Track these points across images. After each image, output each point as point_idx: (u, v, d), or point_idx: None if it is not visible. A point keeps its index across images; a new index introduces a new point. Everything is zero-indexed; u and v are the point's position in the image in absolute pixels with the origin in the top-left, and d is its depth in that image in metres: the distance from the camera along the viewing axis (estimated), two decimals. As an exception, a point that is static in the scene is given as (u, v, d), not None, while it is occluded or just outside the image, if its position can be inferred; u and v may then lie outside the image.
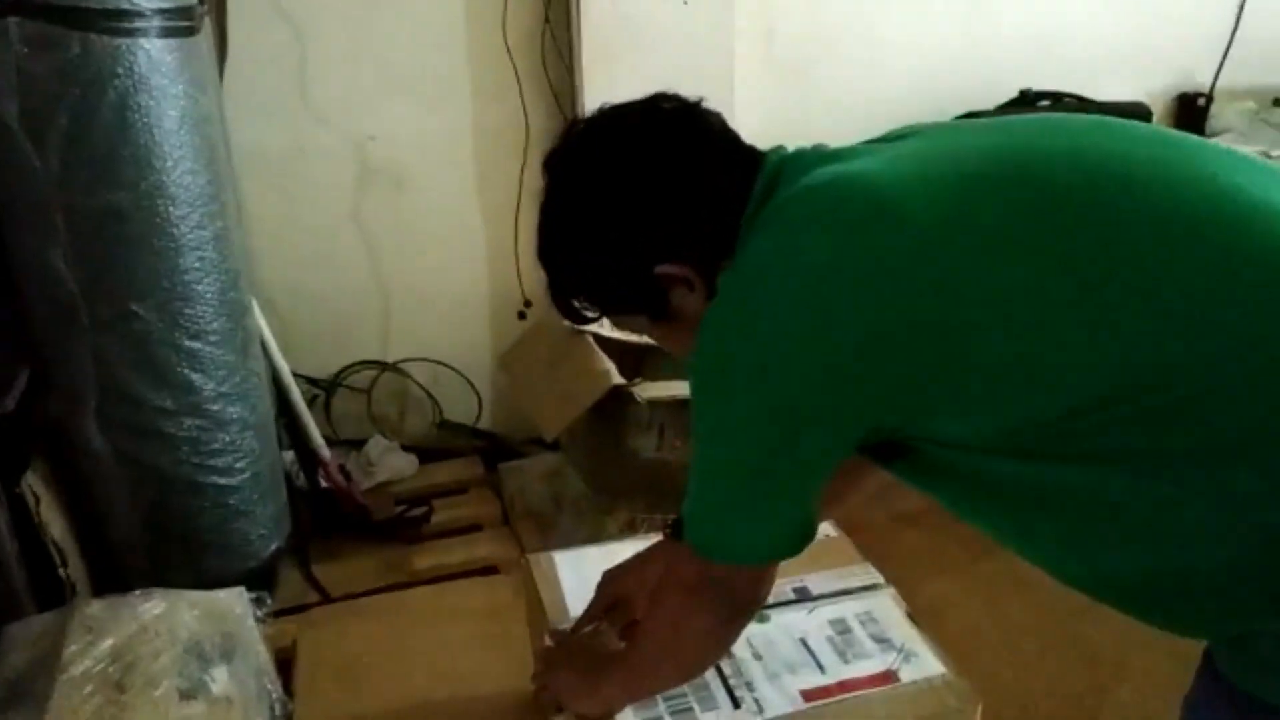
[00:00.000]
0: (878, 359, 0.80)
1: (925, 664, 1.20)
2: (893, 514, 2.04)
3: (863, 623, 1.26)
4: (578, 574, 1.36)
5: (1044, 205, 0.79)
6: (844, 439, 0.87)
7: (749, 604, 0.99)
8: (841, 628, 1.25)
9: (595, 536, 1.97)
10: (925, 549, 1.98)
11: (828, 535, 1.41)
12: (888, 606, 1.29)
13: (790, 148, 0.96)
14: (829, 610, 1.29)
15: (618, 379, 1.88)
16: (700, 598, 0.98)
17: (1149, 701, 1.38)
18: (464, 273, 2.34)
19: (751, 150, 0.97)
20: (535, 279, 2.33)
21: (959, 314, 0.78)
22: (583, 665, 1.18)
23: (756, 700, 1.16)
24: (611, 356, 1.96)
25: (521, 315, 2.34)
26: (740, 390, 0.86)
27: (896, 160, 0.86)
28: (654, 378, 1.99)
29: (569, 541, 2.01)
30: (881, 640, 1.24)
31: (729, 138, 0.97)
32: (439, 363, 2.37)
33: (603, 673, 1.13)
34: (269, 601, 1.51)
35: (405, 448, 2.31)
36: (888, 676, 1.19)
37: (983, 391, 0.80)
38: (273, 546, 1.79)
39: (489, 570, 1.97)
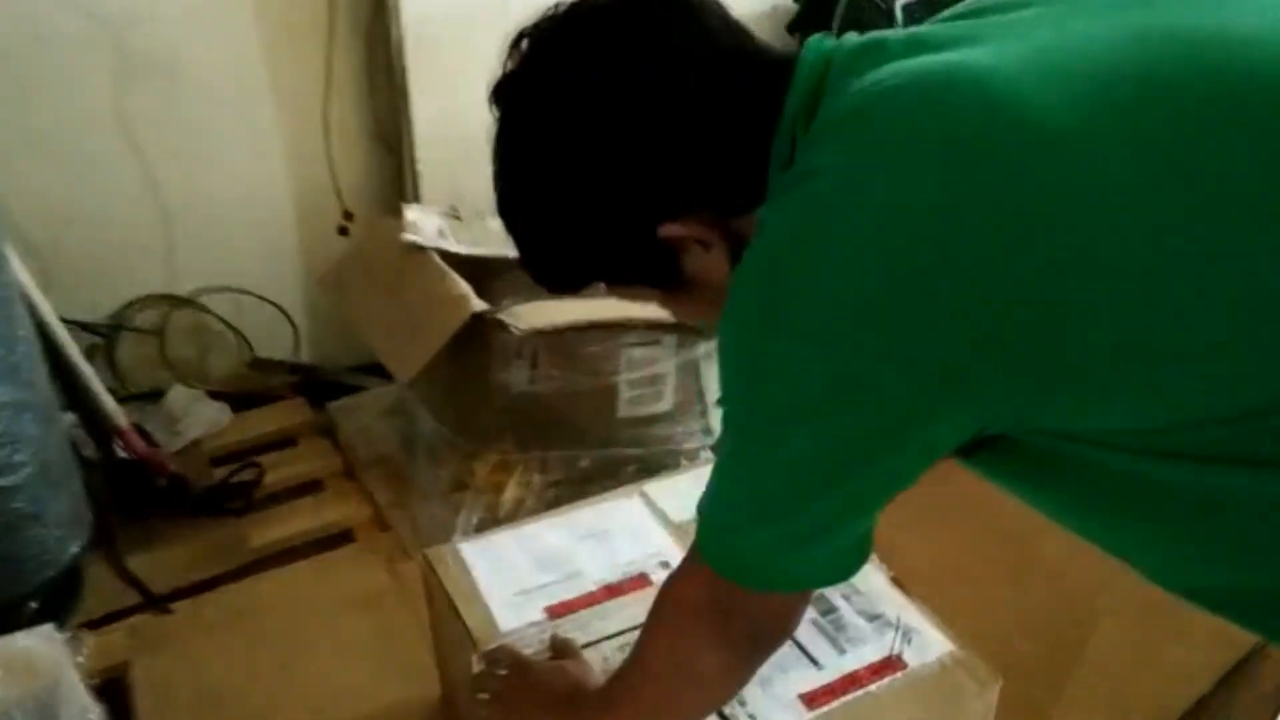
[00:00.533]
0: (1006, 338, 0.59)
1: (929, 641, 1.04)
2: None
3: (848, 598, 1.09)
4: (496, 568, 1.12)
5: (1243, 116, 0.58)
6: (943, 441, 0.65)
7: (777, 638, 0.79)
8: (826, 607, 1.07)
9: (462, 484, 1.72)
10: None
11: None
12: (868, 573, 1.12)
13: (830, 39, 0.71)
14: (808, 588, 1.10)
15: (478, 304, 1.60)
16: (713, 628, 0.76)
17: (1131, 630, 1.28)
18: (261, 181, 1.95)
19: (774, 52, 0.71)
20: (355, 186, 1.99)
21: (1119, 271, 0.57)
22: (544, 700, 0.94)
23: (751, 716, 0.97)
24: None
25: (343, 231, 1.99)
26: (799, 373, 0.63)
27: (1013, 46, 0.62)
28: (502, 297, 1.72)
29: (430, 493, 1.75)
30: (874, 617, 1.07)
31: (737, 34, 0.71)
32: (242, 291, 2.00)
33: (577, 713, 0.91)
34: (87, 643, 1.18)
35: (213, 395, 1.96)
36: (892, 664, 1.02)
37: (1145, 376, 0.60)
38: (73, 549, 1.44)
39: (343, 538, 1.69)
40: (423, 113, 1.92)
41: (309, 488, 1.80)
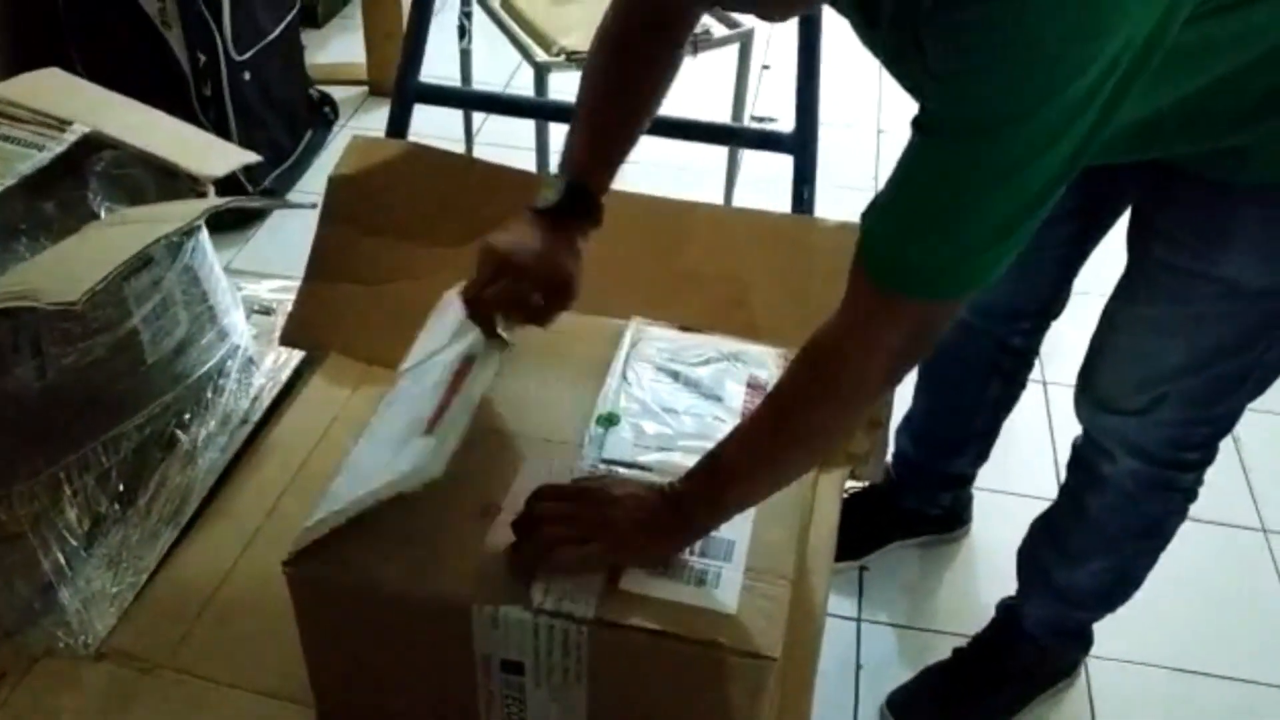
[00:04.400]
0: None
1: (753, 354, 1.17)
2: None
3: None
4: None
5: None
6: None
7: (932, 345, 0.88)
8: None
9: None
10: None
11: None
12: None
13: None
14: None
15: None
16: (883, 342, 0.85)
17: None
18: None
19: None
20: None
21: None
22: (634, 502, 0.92)
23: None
24: None
25: None
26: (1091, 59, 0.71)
27: None
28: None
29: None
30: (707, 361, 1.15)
31: None
32: None
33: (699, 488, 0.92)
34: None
35: None
36: (760, 388, 1.13)
37: None
38: None
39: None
40: None
41: None
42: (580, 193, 1.08)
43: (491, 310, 1.03)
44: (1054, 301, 1.46)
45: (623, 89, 1.11)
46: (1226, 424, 1.26)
